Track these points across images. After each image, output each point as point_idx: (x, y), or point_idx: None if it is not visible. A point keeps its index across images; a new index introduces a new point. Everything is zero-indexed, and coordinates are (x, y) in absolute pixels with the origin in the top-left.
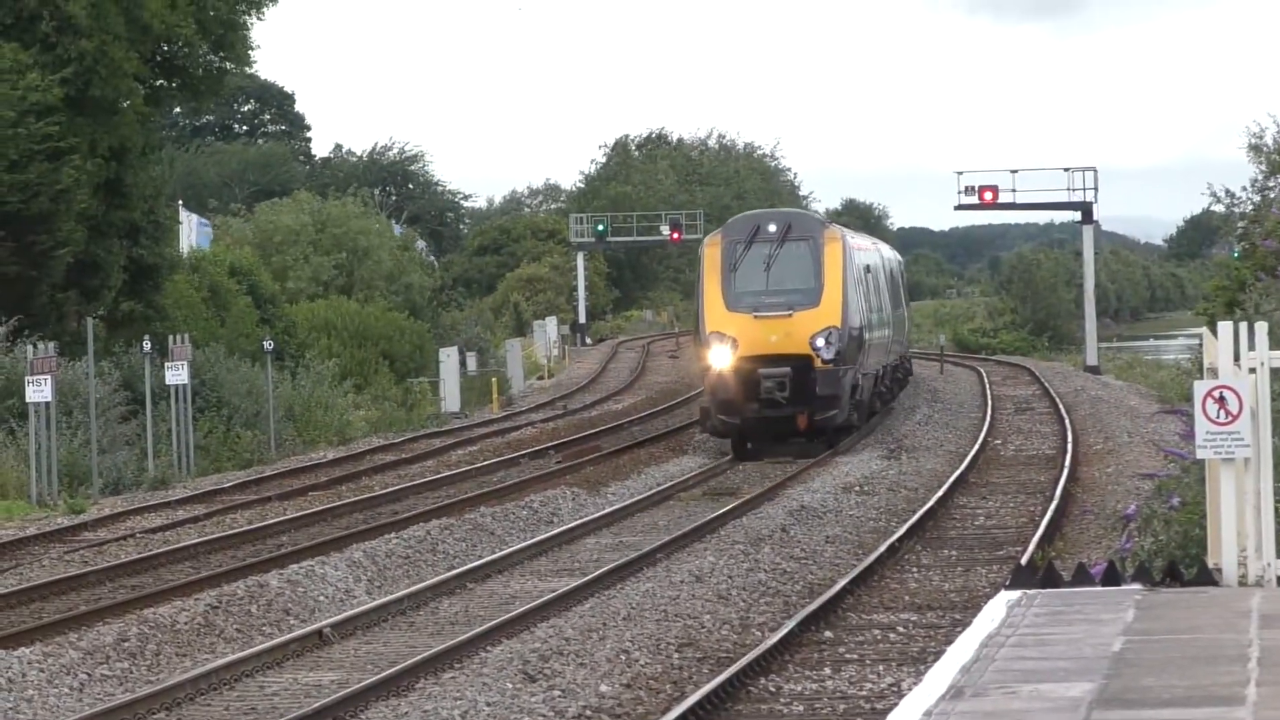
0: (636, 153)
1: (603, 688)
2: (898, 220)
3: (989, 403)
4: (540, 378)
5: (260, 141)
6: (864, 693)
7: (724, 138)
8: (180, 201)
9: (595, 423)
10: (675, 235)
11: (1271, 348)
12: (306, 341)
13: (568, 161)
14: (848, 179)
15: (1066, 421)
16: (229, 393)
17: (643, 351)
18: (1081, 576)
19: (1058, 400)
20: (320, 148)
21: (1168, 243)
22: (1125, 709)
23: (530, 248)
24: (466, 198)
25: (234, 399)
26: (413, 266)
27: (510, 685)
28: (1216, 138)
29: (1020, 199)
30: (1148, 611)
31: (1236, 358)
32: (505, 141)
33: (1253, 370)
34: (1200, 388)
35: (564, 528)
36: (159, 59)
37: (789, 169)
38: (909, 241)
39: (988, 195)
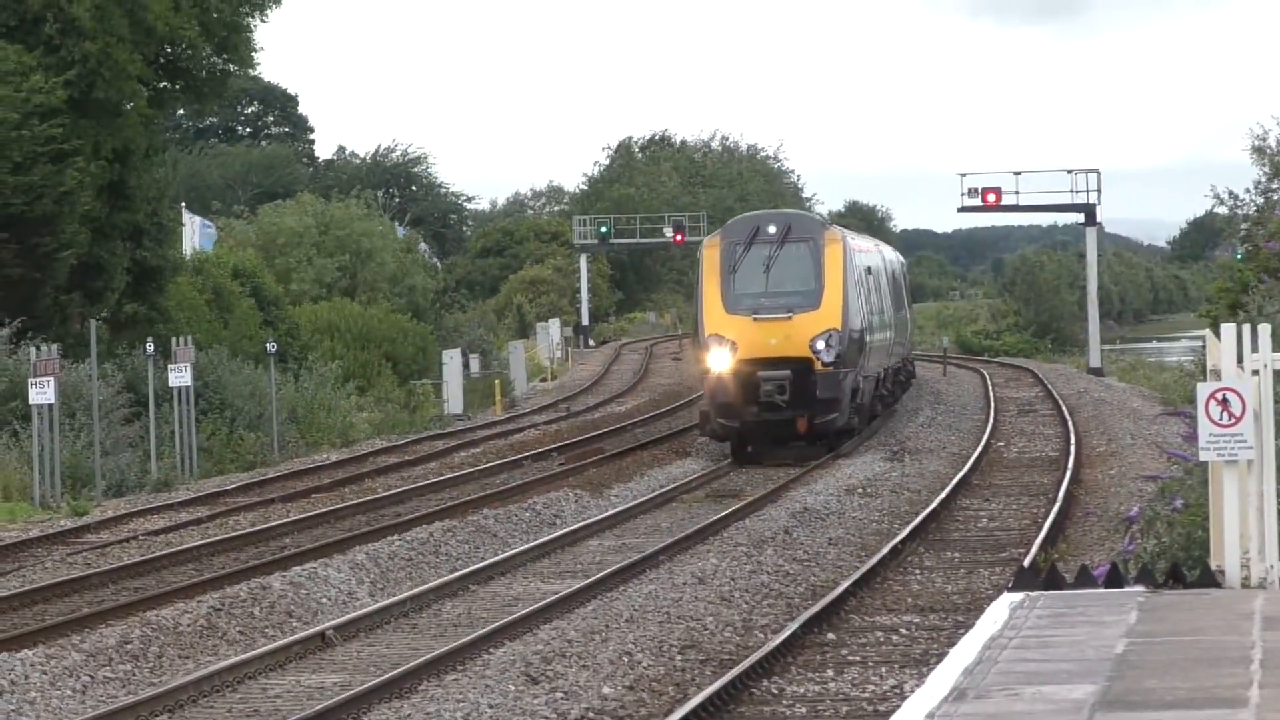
0: (640, 154)
1: (605, 690)
2: (901, 222)
3: (992, 405)
4: (543, 380)
5: (263, 144)
6: (867, 695)
7: (727, 139)
8: (183, 204)
9: (598, 425)
10: (678, 237)
11: (1274, 350)
12: (309, 343)
13: (571, 163)
14: (851, 181)
15: (1069, 423)
16: (232, 395)
17: (646, 354)
18: (1084, 578)
19: (1060, 402)
20: (323, 150)
21: (1171, 245)
22: (1128, 711)
23: (533, 250)
24: (469, 200)
25: (237, 401)
26: (416, 268)
27: (513, 687)
28: (1219, 139)
29: (1023, 201)
30: (1150, 613)
31: (1239, 360)
32: (508, 143)
33: (1255, 372)
34: (1203, 390)
35: (567, 530)
36: (162, 61)
37: (792, 171)
38: (912, 243)
39: (991, 197)
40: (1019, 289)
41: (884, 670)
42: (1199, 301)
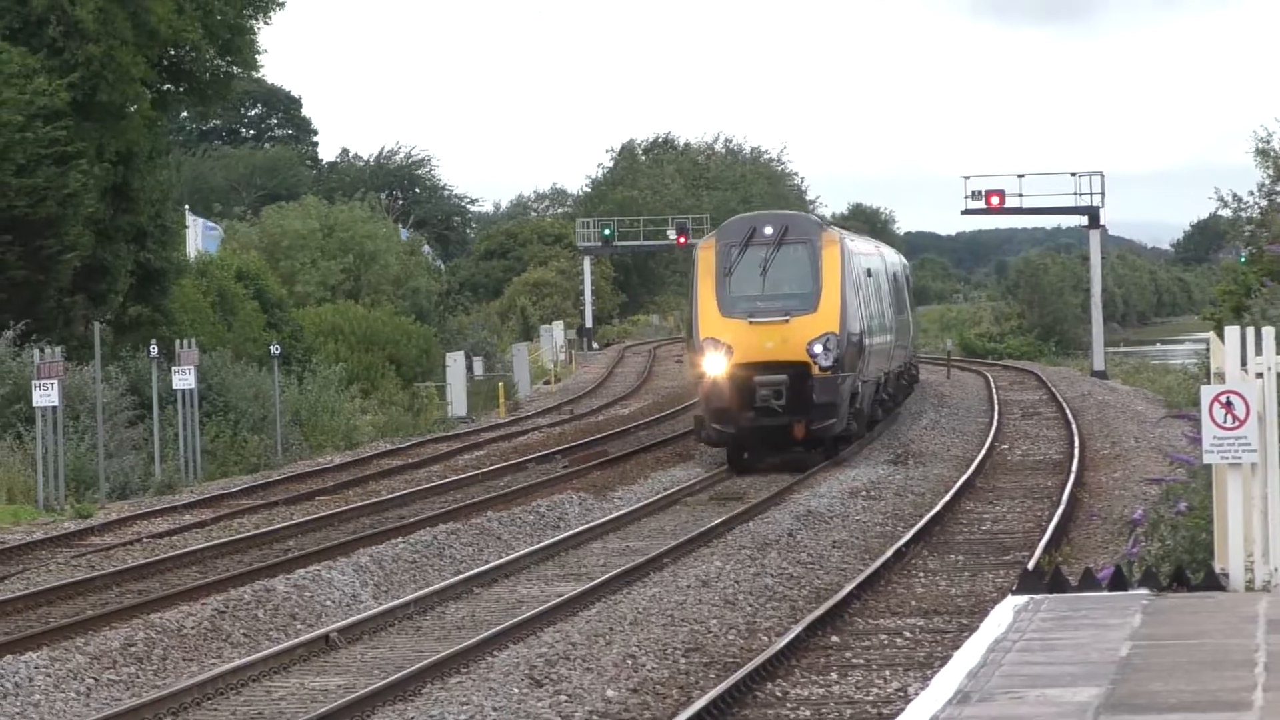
0: (643, 157)
1: (609, 693)
2: (905, 224)
3: (995, 408)
4: (547, 382)
5: (267, 146)
6: (870, 698)
7: (730, 142)
8: (187, 206)
9: (602, 427)
10: (681, 239)
11: (1278, 353)
12: (313, 346)
13: (574, 166)
14: (854, 183)
15: (1073, 426)
16: (236, 397)
17: (649, 356)
18: (1088, 581)
19: (1064, 405)
20: (327, 152)
21: (1175, 247)
22: (1132, 714)
23: (537, 252)
24: (473, 202)
25: (241, 403)
26: (419, 271)
27: (517, 690)
28: (1223, 142)
29: (1027, 203)
30: (1155, 616)
31: (1243, 363)
32: (512, 146)
33: (1260, 375)
34: (1207, 393)
35: (570, 532)
36: (166, 64)
37: (796, 173)
38: (916, 245)
39: (994, 200)
40: (1023, 292)
41: (888, 673)
42: (1203, 304)
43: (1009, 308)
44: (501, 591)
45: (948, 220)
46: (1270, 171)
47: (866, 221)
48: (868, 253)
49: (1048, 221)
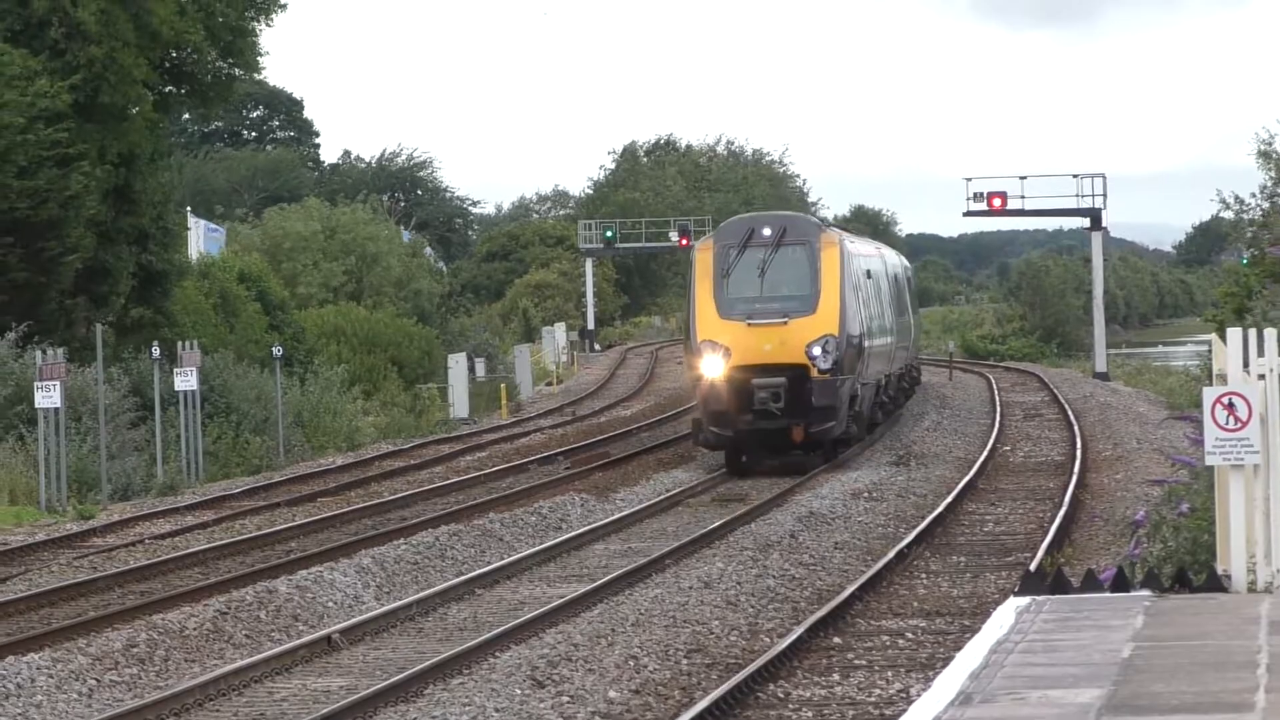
0: (645, 159)
1: (611, 694)
2: (907, 226)
3: (998, 409)
4: (549, 384)
5: (269, 148)
6: (873, 699)
7: (732, 144)
8: (189, 208)
9: (604, 429)
10: (683, 241)
11: None
12: (315, 347)
13: (576, 167)
14: (857, 185)
15: (1075, 428)
16: (238, 399)
17: (651, 358)
18: (1090, 583)
19: (1067, 407)
20: (329, 154)
21: (1177, 249)
22: (1134, 715)
23: (539, 254)
24: (475, 204)
25: (243, 405)
26: (421, 273)
27: (519, 691)
28: (1226, 144)
29: (1029, 205)
30: (1157, 618)
31: (1245, 364)
32: (514, 148)
33: (1262, 377)
34: (1209, 394)
35: (573, 534)
36: (168, 65)
37: (798, 175)
38: (918, 247)
39: (996, 201)
40: (1025, 293)
41: (890, 674)
42: (1205, 306)
43: (1011, 309)
44: (503, 593)
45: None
46: (1272, 173)
47: (868, 223)
48: (868, 254)
49: (1050, 223)
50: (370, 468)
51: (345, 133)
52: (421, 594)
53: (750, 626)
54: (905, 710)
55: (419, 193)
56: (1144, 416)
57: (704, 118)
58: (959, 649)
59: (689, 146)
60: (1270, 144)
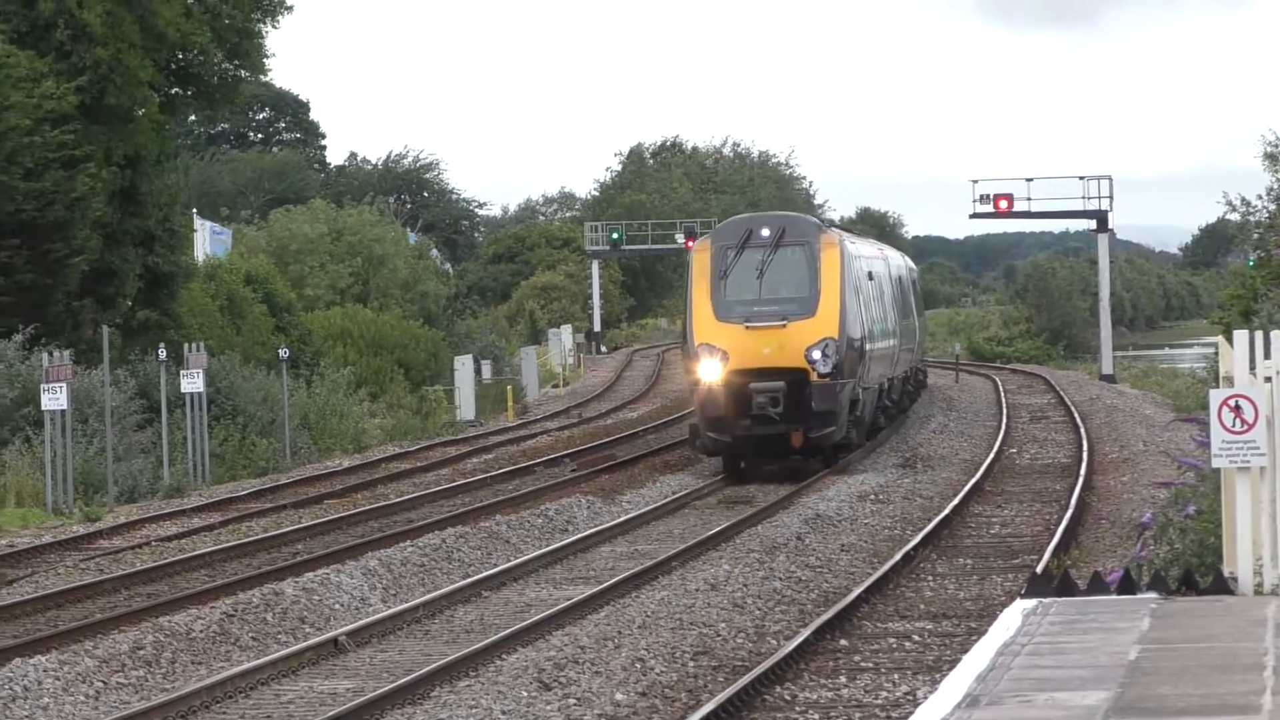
0: (651, 161)
1: (618, 696)
2: (913, 228)
3: (1004, 411)
4: (555, 386)
5: (275, 150)
6: (879, 701)
7: (739, 146)
8: (195, 210)
9: (610, 431)
10: (689, 243)
11: None
12: (322, 349)
13: (582, 169)
14: (863, 187)
15: (1082, 430)
16: (244, 401)
17: (657, 360)
18: (1097, 585)
19: (1073, 409)
20: (335, 156)
21: (1183, 251)
22: (1141, 717)
23: (545, 256)
24: (481, 206)
25: (249, 407)
26: (428, 275)
27: (525, 693)
28: (1232, 146)
29: (1035, 207)
30: (1163, 620)
31: (1252, 367)
32: (520, 150)
33: (1268, 379)
34: (1216, 396)
35: (579, 536)
36: (174, 67)
37: (804, 177)
38: (924, 250)
39: (1003, 203)
40: (1031, 295)
41: (897, 677)
42: (1211, 308)
43: (1017, 311)
44: (510, 595)
45: (956, 224)
46: (1279, 175)
47: (875, 225)
48: (870, 255)
49: (1056, 225)
50: (377, 470)
51: (351, 134)
52: (428, 596)
53: (757, 629)
54: (912, 713)
55: (425, 194)
56: (1150, 419)
57: (710, 120)
58: (966, 651)
59: (695, 148)
60: (1277, 146)
